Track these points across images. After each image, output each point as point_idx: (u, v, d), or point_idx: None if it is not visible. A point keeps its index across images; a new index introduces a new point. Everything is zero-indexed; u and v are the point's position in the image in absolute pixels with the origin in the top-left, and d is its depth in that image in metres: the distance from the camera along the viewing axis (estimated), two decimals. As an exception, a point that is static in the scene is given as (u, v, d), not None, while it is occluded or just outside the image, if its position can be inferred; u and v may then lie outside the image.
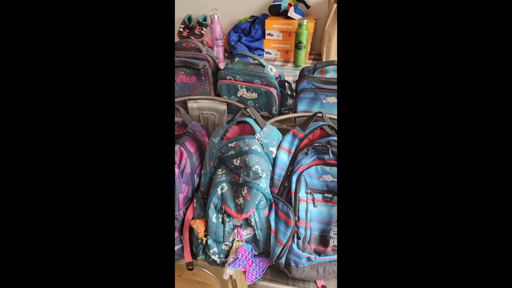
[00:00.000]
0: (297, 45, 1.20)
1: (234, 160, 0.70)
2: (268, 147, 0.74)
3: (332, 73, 0.86)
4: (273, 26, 1.30)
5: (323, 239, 0.70)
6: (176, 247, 0.73)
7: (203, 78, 0.92)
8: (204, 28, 1.44)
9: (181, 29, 1.49)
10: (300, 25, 1.16)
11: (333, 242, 0.69)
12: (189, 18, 1.50)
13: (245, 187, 0.65)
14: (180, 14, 1.53)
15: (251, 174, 0.66)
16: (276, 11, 1.31)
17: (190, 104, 0.90)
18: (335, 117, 0.82)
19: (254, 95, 0.85)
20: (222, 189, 0.69)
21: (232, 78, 0.87)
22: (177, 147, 0.72)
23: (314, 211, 0.71)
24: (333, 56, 1.26)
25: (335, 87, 0.84)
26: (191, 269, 0.76)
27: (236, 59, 0.91)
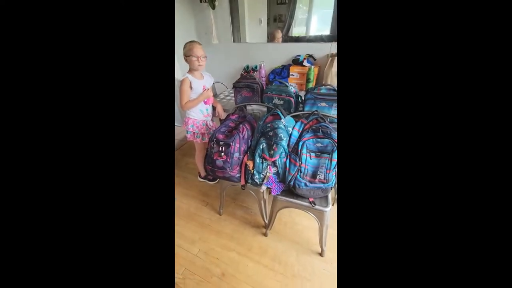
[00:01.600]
0: (307, 80, 1.66)
1: (270, 132, 1.18)
2: (287, 127, 1.21)
3: (323, 90, 1.25)
4: (294, 70, 1.79)
5: (314, 175, 1.11)
6: (237, 175, 1.19)
7: (255, 93, 1.37)
8: (255, 72, 1.98)
9: (242, 72, 2.04)
10: (309, 69, 1.59)
11: (319, 177, 1.08)
12: (247, 66, 2.06)
13: (274, 144, 1.11)
14: (242, 64, 2.12)
15: (278, 137, 1.12)
16: (296, 62, 1.80)
17: (248, 107, 1.40)
18: (325, 113, 1.24)
19: (282, 102, 1.32)
20: (262, 145, 1.15)
21: (270, 93, 1.31)
22: (241, 125, 1.22)
23: (310, 161, 1.13)
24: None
25: (325, 97, 1.24)
26: (244, 189, 1.21)
27: (273, 84, 1.40)
